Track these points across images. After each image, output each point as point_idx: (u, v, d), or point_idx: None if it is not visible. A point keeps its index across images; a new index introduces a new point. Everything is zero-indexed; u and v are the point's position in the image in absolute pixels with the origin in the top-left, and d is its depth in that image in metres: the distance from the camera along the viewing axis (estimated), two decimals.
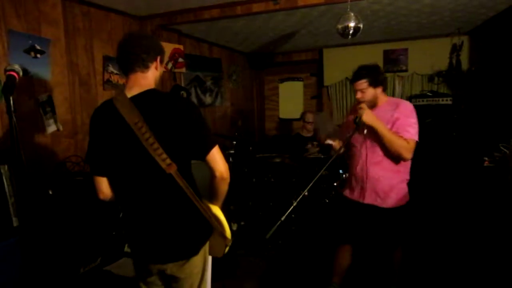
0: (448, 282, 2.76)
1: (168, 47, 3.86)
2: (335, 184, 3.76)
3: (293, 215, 3.60)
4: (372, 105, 2.30)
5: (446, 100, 4.55)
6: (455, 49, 4.74)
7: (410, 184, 2.37)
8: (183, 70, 4.18)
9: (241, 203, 4.05)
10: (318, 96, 5.95)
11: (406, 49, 5.26)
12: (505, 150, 3.13)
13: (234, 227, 3.69)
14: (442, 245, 3.28)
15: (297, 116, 6.33)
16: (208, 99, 4.95)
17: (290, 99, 6.55)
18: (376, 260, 2.78)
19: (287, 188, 3.83)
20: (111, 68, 3.24)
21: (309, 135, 4.41)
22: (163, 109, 1.40)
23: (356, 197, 2.40)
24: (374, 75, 2.26)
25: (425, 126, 4.53)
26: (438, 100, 4.59)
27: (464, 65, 4.79)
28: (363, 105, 2.21)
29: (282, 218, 1.83)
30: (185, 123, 1.40)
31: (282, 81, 6.63)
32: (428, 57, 5.07)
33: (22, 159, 1.24)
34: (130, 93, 1.42)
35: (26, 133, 2.52)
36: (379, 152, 2.25)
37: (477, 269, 2.81)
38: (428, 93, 4.73)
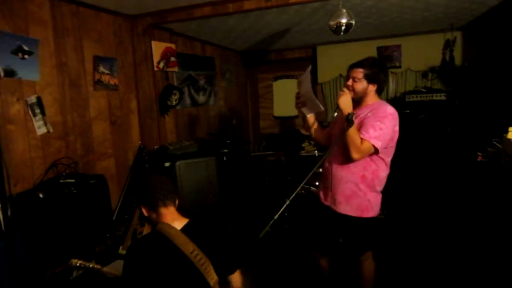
0: (443, 276, 2.76)
1: (160, 46, 3.82)
2: None
3: (286, 214, 3.59)
4: (358, 101, 2.09)
5: (440, 96, 4.56)
6: (448, 45, 4.75)
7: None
8: (176, 69, 4.14)
9: (235, 202, 4.04)
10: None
11: (399, 46, 5.27)
12: (498, 145, 3.14)
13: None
14: (437, 240, 3.28)
15: (292, 114, 6.33)
16: (201, 98, 4.92)
17: (284, 97, 6.54)
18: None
19: (281, 186, 3.83)
20: (101, 68, 3.20)
21: (307, 133, 4.38)
22: (208, 236, 1.64)
23: (322, 197, 2.28)
24: (374, 71, 2.04)
25: (419, 122, 4.55)
26: (432, 96, 4.60)
27: (458, 60, 4.82)
28: (346, 90, 2.02)
29: (275, 217, 1.81)
30: (224, 246, 1.66)
31: (276, 79, 6.62)
32: (421, 53, 5.08)
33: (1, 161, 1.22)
34: (176, 225, 1.61)
35: (15, 135, 2.48)
36: (347, 152, 1.99)
37: (471, 262, 2.82)
38: (422, 89, 4.75)
